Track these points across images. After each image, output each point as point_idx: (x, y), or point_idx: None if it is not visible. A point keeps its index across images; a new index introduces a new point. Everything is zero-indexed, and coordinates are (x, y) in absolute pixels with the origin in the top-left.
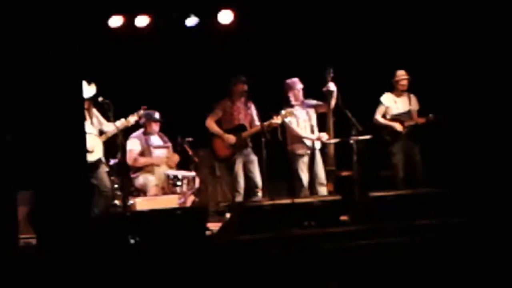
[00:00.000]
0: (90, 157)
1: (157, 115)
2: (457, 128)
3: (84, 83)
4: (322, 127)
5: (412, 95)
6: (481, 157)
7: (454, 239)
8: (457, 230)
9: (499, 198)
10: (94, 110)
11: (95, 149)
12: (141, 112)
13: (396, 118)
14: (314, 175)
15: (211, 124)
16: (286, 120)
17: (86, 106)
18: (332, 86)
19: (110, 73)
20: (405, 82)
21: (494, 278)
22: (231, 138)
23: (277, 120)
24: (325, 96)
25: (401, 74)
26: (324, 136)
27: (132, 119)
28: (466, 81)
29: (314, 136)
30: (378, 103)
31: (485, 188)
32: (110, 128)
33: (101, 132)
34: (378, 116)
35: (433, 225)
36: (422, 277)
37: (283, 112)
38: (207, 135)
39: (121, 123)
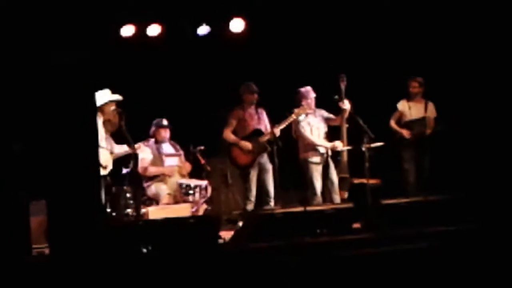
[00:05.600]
0: (102, 172)
1: (165, 122)
2: (469, 135)
3: (108, 91)
4: (335, 134)
5: (429, 102)
6: (494, 164)
7: (466, 246)
8: (469, 237)
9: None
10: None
11: (108, 165)
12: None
13: (408, 124)
14: (329, 183)
15: (228, 135)
16: (300, 118)
17: (111, 118)
18: (345, 105)
19: (122, 82)
20: (416, 86)
21: (505, 284)
22: (247, 145)
23: (290, 118)
24: (336, 103)
25: (414, 81)
26: (340, 145)
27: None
28: (475, 88)
29: (328, 144)
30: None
31: (497, 195)
32: (120, 150)
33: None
34: (392, 121)
35: (445, 232)
36: (434, 284)
37: (296, 109)
38: (224, 145)
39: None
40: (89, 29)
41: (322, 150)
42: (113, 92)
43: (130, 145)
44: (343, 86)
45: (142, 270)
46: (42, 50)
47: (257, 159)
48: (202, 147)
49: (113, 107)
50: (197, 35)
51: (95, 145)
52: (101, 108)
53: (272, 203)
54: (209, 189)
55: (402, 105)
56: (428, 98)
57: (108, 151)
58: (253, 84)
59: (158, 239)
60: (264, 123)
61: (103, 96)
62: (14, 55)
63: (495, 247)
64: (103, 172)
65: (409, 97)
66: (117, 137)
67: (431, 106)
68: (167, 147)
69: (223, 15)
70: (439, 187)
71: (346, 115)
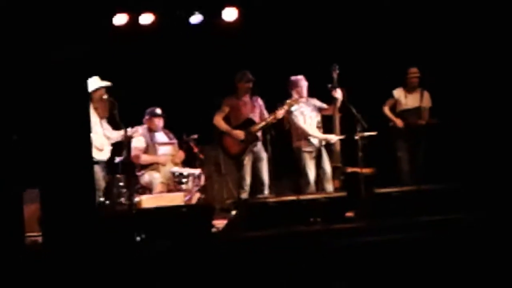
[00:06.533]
0: (100, 156)
1: (158, 111)
2: (462, 125)
3: (97, 78)
4: (328, 124)
5: (425, 92)
6: (486, 153)
7: (459, 236)
8: (462, 227)
9: (504, 194)
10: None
11: (104, 148)
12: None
13: (402, 114)
14: (321, 172)
15: (219, 121)
16: (293, 108)
17: (100, 105)
18: (338, 93)
19: (114, 71)
20: (415, 79)
21: (499, 274)
22: (240, 134)
23: (283, 109)
24: (330, 92)
25: (412, 71)
26: (333, 138)
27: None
28: (471, 79)
29: (321, 136)
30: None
31: (491, 184)
32: (113, 135)
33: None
34: (386, 108)
35: (438, 221)
36: (427, 273)
37: (288, 101)
38: (216, 132)
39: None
40: (85, 20)
41: (314, 139)
42: (105, 80)
43: (123, 129)
44: (335, 75)
45: (135, 258)
46: (36, 43)
47: (248, 148)
48: (196, 136)
49: (105, 96)
50: (190, 23)
51: (88, 134)
52: (90, 95)
53: (266, 192)
54: (203, 178)
55: (398, 93)
56: (424, 87)
57: (103, 135)
58: (248, 72)
59: (151, 227)
60: (258, 112)
61: (91, 83)
62: (8, 49)
63: (488, 237)
64: (99, 154)
65: (406, 86)
66: (110, 125)
67: (426, 95)
68: (160, 136)
69: (216, 4)
70: (433, 176)
71: (339, 104)
